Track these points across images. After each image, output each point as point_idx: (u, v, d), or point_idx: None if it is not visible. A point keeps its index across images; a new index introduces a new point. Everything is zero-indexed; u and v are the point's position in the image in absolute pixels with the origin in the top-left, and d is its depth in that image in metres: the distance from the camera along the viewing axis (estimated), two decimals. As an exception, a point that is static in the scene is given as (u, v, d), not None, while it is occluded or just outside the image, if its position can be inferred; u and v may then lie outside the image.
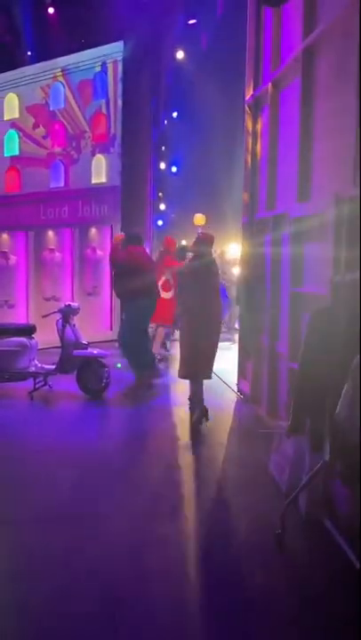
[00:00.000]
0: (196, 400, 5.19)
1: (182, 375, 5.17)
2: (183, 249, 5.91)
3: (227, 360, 8.32)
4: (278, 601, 2.64)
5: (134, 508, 3.55)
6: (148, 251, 7.02)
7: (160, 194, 16.68)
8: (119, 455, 4.52)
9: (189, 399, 5.27)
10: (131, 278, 6.41)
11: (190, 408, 5.25)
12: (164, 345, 8.60)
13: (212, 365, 5.16)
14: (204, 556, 3.03)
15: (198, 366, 5.09)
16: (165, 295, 7.99)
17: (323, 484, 3.15)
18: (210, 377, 5.21)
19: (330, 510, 3.12)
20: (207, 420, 5.24)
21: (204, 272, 5.09)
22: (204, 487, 3.88)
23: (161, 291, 7.69)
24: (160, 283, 8.05)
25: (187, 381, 5.25)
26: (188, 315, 5.12)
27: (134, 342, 6.47)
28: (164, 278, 8.22)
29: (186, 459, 4.44)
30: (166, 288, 8.28)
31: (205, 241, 5.27)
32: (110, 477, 4.02)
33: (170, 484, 3.93)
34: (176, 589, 2.72)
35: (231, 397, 6.41)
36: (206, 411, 5.25)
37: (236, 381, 6.67)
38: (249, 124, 6.18)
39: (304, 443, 3.24)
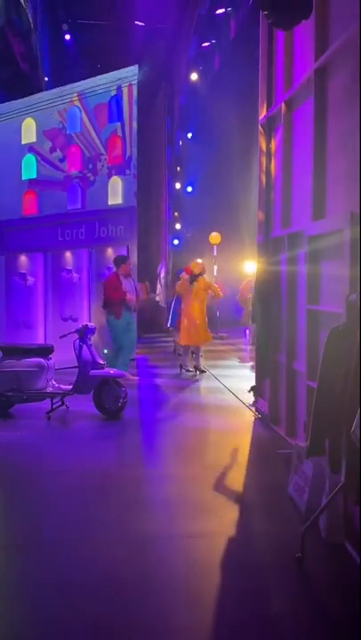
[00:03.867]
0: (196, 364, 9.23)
1: (184, 342, 9.29)
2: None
3: (244, 379, 8.32)
4: (298, 624, 2.59)
5: (148, 531, 3.53)
6: (121, 274, 8.25)
7: (176, 213, 16.87)
8: (135, 477, 4.51)
9: (180, 365, 9.31)
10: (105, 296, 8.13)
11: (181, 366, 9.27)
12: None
13: (203, 335, 9.17)
14: (222, 578, 2.99)
15: (193, 338, 9.11)
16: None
17: (343, 506, 3.10)
18: (208, 340, 9.37)
19: (350, 533, 3.06)
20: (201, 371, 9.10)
21: (195, 284, 9.21)
22: (221, 510, 3.84)
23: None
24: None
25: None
26: (184, 306, 9.29)
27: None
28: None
29: (203, 480, 4.41)
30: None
31: (197, 268, 9.32)
32: (126, 500, 4.01)
33: (186, 506, 3.90)
34: (192, 613, 2.68)
35: (249, 417, 6.37)
36: (200, 369, 9.13)
37: (253, 400, 6.63)
38: (263, 143, 6.24)
39: (324, 463, 3.20)
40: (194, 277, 9.23)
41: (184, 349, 9.48)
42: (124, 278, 8.28)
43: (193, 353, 9.50)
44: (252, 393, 6.65)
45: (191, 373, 9.08)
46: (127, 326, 8.14)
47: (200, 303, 9.16)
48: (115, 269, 8.42)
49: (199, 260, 9.89)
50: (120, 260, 8.37)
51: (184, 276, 9.58)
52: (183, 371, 9.21)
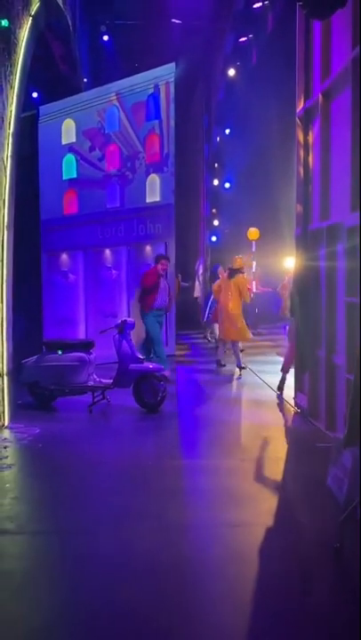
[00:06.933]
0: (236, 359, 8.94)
1: (221, 337, 9.42)
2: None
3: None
4: (336, 615, 2.60)
5: (186, 520, 3.57)
6: (159, 269, 7.95)
7: (213, 210, 16.84)
8: (173, 468, 4.57)
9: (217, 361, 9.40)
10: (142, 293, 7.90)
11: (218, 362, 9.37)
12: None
13: (241, 332, 9.01)
14: (259, 568, 3.02)
15: (230, 333, 9.03)
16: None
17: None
18: (245, 339, 9.27)
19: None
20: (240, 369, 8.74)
21: (233, 279, 9.12)
22: (259, 500, 3.86)
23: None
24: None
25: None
26: (221, 301, 9.32)
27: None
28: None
29: (241, 472, 4.43)
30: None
31: (236, 263, 9.35)
32: (164, 489, 4.06)
33: (224, 497, 3.93)
34: (229, 602, 2.71)
35: (289, 411, 6.36)
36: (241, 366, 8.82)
37: (293, 395, 6.58)
38: (300, 136, 6.19)
39: (362, 454, 3.17)
40: (233, 272, 9.26)
41: (220, 344, 9.64)
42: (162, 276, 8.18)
43: (228, 349, 9.48)
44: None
45: (225, 368, 9.24)
46: (155, 319, 7.99)
47: (237, 299, 9.15)
48: (154, 265, 8.22)
49: (239, 256, 9.91)
50: (159, 258, 8.23)
51: (222, 272, 9.66)
52: (220, 367, 9.35)
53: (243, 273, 9.45)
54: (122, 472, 4.46)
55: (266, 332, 13.89)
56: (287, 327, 11.82)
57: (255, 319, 14.20)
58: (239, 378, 8.51)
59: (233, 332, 9.05)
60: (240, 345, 9.59)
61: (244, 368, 8.93)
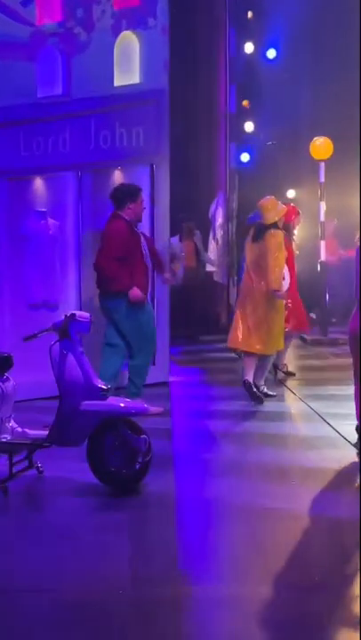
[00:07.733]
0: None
1: (231, 345, 10.26)
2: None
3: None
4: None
5: None
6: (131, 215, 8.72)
7: (245, 102, 16.72)
8: (168, 601, 4.60)
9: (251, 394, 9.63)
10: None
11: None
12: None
13: (265, 338, 9.61)
14: None
15: (245, 338, 9.72)
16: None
17: None
18: (267, 350, 9.81)
19: None
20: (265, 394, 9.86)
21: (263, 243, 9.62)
22: None
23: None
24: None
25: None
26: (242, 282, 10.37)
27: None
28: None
29: (301, 615, 4.41)
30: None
31: (271, 212, 9.61)
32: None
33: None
34: None
35: (349, 457, 7.18)
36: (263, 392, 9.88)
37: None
38: None
39: None
40: (261, 231, 9.50)
41: (246, 360, 9.84)
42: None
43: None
44: None
45: (269, 407, 9.55)
46: (148, 316, 8.66)
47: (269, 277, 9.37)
48: (116, 210, 8.72)
49: (270, 197, 9.93)
50: (127, 193, 8.65)
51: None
52: (254, 401, 9.62)
53: (281, 229, 9.63)
54: (66, 611, 4.46)
55: (344, 339, 13.94)
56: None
57: (323, 314, 14.11)
58: (281, 421, 9.14)
59: (252, 338, 9.53)
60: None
61: (272, 396, 9.85)
